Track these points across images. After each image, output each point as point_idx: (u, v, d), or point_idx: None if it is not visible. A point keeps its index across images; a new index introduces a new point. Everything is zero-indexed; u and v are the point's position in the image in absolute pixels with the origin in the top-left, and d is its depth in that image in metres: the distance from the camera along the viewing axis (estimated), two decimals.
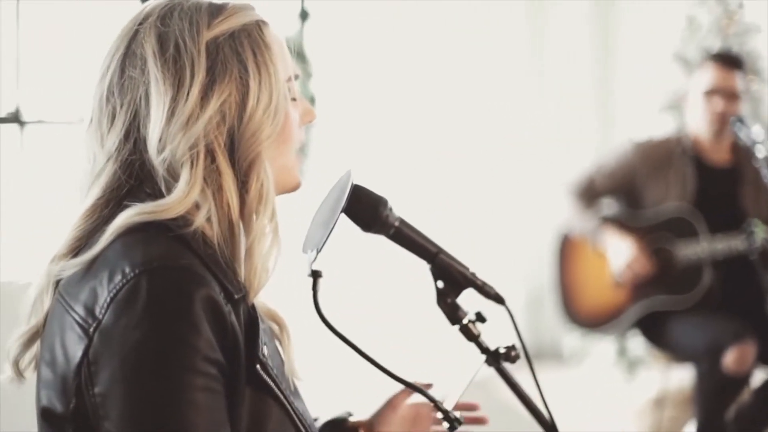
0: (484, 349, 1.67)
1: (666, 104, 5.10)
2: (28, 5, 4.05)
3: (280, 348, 1.62)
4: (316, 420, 1.90)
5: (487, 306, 1.70)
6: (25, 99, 4.12)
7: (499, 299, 1.68)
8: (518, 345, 1.67)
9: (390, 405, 1.92)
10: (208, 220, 1.47)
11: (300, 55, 5.63)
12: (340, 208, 1.57)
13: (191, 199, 1.46)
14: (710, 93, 4.11)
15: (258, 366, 1.47)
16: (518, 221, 6.37)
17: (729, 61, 4.16)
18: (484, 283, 1.68)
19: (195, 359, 1.37)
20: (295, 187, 1.64)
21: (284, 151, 1.58)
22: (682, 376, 4.57)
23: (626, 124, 6.06)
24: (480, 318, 1.67)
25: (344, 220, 1.61)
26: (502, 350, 1.66)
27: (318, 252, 1.55)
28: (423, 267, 1.69)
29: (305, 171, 5.59)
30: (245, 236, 1.51)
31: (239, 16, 1.54)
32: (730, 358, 3.85)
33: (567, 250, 4.51)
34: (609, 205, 4.39)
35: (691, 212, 4.15)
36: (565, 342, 5.79)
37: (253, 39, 1.54)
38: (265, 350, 1.49)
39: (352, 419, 1.91)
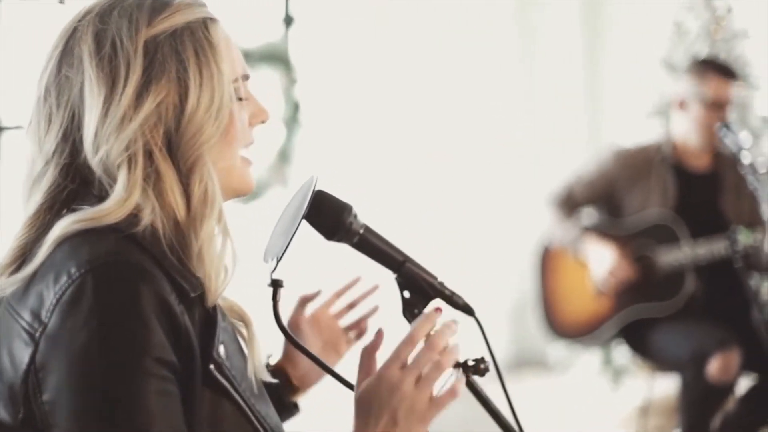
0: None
1: (654, 109, 5.07)
2: (5, 7, 4.00)
3: (245, 347, 1.55)
4: None
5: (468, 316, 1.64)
6: (3, 104, 4.07)
7: (468, 310, 1.62)
8: (488, 357, 1.61)
9: (292, 328, 1.91)
10: (155, 220, 1.42)
11: (284, 61, 5.59)
12: (301, 215, 1.52)
13: (132, 202, 1.41)
14: (711, 105, 4.06)
15: (212, 366, 1.41)
16: (505, 227, 6.34)
17: (727, 72, 4.12)
18: (453, 293, 1.62)
19: (147, 361, 1.32)
20: (246, 191, 1.58)
21: (229, 153, 1.52)
22: (667, 385, 4.53)
23: (614, 129, 6.03)
24: None
25: (308, 228, 1.56)
26: (470, 363, 1.58)
27: (278, 261, 1.50)
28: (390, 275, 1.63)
29: (288, 177, 5.56)
30: (194, 240, 1.45)
31: (184, 14, 1.49)
32: (714, 366, 3.80)
33: (548, 261, 4.48)
34: (589, 215, 4.36)
35: (672, 218, 4.11)
36: (551, 350, 5.75)
37: (196, 38, 1.48)
38: (222, 350, 1.44)
39: (272, 360, 1.90)
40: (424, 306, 1.60)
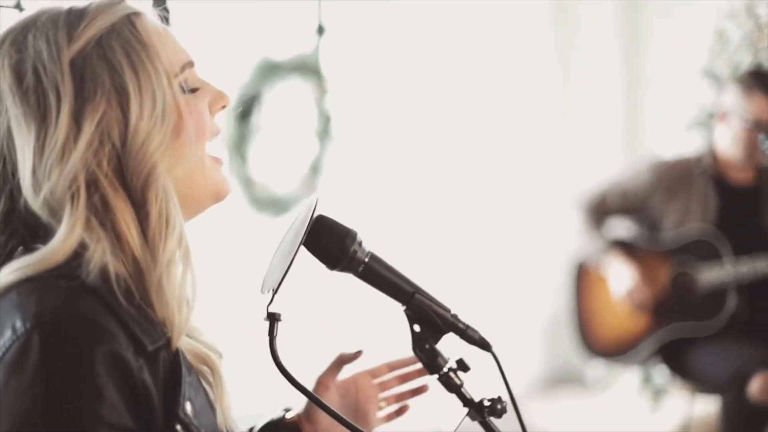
0: (467, 401, 1.48)
1: (694, 121, 4.91)
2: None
3: (213, 396, 1.42)
4: (251, 429, 1.71)
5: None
6: None
7: (484, 345, 1.49)
8: (506, 396, 1.49)
9: (321, 386, 1.74)
10: (112, 260, 1.28)
11: (315, 72, 5.51)
12: (299, 243, 1.39)
13: (74, 238, 1.27)
14: (755, 121, 3.88)
15: (178, 427, 1.28)
16: (539, 241, 6.22)
17: None
18: (468, 327, 1.49)
19: (97, 430, 1.18)
20: (221, 193, 1.44)
21: (187, 153, 1.38)
22: (709, 404, 4.38)
23: (652, 140, 5.89)
24: (462, 366, 1.49)
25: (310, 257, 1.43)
26: (486, 402, 1.47)
27: (274, 293, 1.37)
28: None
29: (318, 188, 5.45)
30: (153, 267, 1.31)
31: (104, 16, 1.34)
32: (755, 387, 3.65)
33: (583, 276, 4.33)
34: (627, 228, 4.21)
35: (713, 234, 3.95)
36: (588, 368, 5.60)
37: (124, 38, 1.34)
38: (188, 407, 1.30)
39: (289, 415, 1.72)
40: (436, 341, 1.48)
